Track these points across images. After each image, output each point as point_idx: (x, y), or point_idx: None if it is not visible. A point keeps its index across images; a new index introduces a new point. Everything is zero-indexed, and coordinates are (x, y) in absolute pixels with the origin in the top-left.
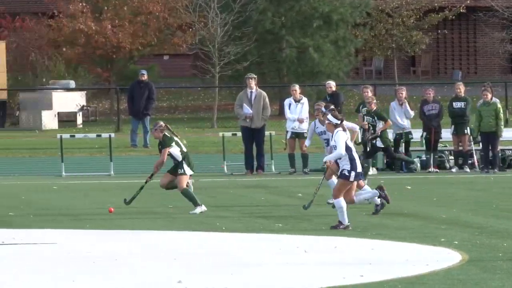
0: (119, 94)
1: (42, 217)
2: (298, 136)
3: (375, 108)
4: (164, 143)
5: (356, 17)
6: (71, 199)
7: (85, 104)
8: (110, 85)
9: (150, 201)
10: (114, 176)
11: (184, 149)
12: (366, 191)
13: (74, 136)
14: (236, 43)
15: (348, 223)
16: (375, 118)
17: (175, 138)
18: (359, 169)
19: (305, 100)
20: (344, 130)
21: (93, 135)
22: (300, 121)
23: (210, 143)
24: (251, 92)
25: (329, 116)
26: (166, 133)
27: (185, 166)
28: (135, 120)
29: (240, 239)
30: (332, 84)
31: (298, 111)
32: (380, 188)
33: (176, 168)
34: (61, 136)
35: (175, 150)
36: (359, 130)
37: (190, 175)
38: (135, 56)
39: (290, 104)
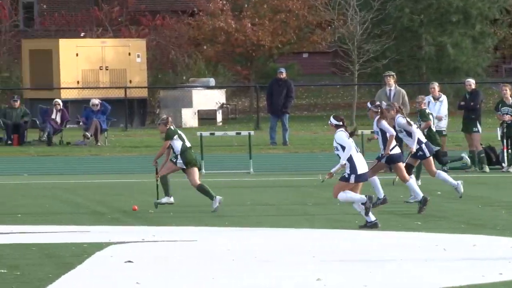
0: (259, 92)
1: (182, 214)
2: (437, 133)
3: (423, 107)
4: (166, 136)
5: (494, 12)
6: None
7: (225, 102)
8: (249, 83)
9: (289, 198)
10: (254, 173)
11: (187, 144)
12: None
13: (213, 133)
14: (375, 41)
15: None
16: (419, 117)
17: (179, 132)
18: (360, 171)
19: (444, 98)
20: (346, 131)
21: (232, 133)
22: (439, 118)
23: None
24: (390, 90)
25: (331, 118)
26: (171, 127)
27: (179, 159)
28: (274, 118)
29: (378, 237)
30: (471, 82)
31: (437, 109)
32: (369, 198)
33: (171, 158)
34: (201, 134)
35: (176, 143)
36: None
37: (183, 169)
38: (275, 54)
39: (429, 102)
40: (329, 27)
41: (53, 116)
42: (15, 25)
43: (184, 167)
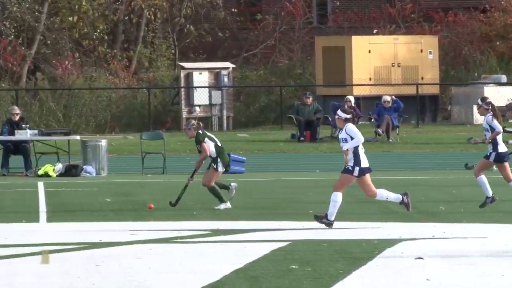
0: None
1: (472, 211)
2: None
3: None
4: (198, 140)
5: None
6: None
7: None
8: None
9: None
10: None
11: (219, 144)
12: (391, 193)
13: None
14: None
15: (333, 221)
16: None
17: (208, 134)
18: (364, 164)
19: None
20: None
21: None
22: None
23: None
24: None
25: (339, 111)
26: (199, 131)
27: (219, 162)
28: None
29: None
30: None
31: None
32: (405, 194)
33: (210, 164)
34: None
35: (210, 145)
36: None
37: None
38: None
39: None
40: None
41: None
42: (308, 22)
43: (223, 170)
